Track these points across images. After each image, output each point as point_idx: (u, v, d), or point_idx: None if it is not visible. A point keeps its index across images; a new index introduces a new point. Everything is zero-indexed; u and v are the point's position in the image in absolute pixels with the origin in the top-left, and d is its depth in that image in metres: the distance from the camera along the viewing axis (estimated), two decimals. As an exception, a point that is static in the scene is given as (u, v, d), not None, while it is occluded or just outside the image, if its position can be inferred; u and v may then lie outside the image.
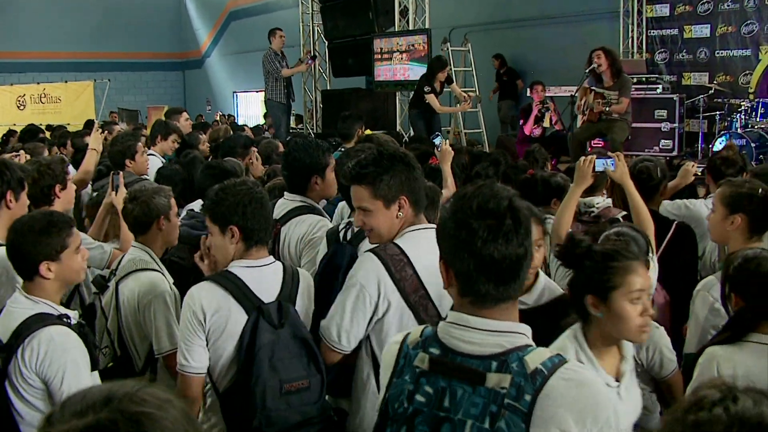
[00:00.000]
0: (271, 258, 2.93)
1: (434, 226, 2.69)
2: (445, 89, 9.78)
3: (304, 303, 2.89)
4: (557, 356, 1.70)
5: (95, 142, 5.54)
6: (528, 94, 11.18)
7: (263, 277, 2.83)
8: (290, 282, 2.89)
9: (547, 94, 11.12)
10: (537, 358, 1.67)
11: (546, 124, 10.80)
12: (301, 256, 3.50)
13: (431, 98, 9.23)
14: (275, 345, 2.72)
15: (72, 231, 2.80)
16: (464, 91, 10.51)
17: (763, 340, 2.57)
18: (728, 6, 11.51)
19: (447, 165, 4.74)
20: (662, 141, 10.54)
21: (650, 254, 3.31)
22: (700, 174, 4.37)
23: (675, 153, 10.45)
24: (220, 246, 2.85)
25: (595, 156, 3.72)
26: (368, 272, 2.61)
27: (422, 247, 2.61)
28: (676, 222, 4.11)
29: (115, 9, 23.64)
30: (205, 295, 2.73)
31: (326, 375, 2.79)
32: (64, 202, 4.11)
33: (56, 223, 2.78)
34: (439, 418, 1.71)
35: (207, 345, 2.72)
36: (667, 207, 4.51)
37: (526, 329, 1.76)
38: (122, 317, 3.32)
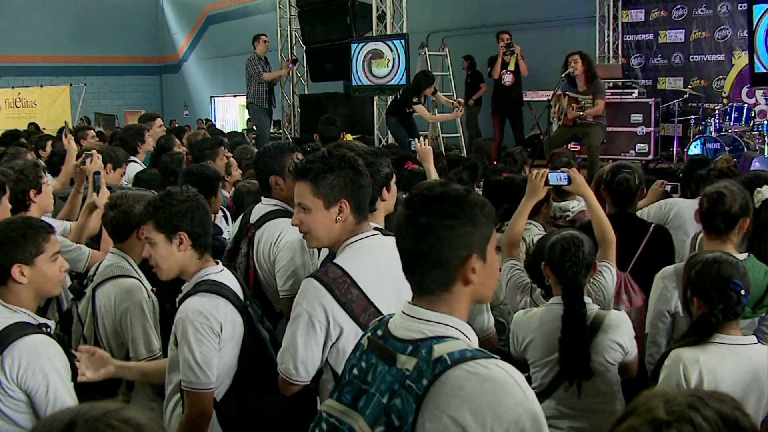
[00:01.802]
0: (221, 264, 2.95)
1: (375, 233, 2.66)
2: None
3: None
4: (473, 351, 1.69)
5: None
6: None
7: (230, 279, 2.87)
8: (243, 282, 2.98)
9: (526, 98, 11.21)
10: (447, 348, 1.69)
11: (511, 67, 10.81)
12: (275, 261, 3.47)
13: (420, 109, 9.22)
14: (268, 338, 2.84)
15: (49, 237, 2.74)
16: (450, 98, 10.55)
17: (726, 341, 2.65)
18: (702, 11, 11.66)
19: (429, 164, 4.71)
20: (638, 145, 10.65)
21: (606, 262, 3.46)
22: (669, 192, 4.42)
23: (651, 157, 10.56)
24: (166, 255, 2.80)
25: (547, 170, 3.74)
26: (312, 300, 2.49)
27: (365, 259, 2.57)
28: (653, 225, 4.15)
29: (91, 12, 23.48)
30: (213, 306, 2.70)
31: None
32: (40, 206, 4.10)
33: (33, 227, 2.73)
34: (361, 389, 1.80)
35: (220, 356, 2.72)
36: (643, 215, 4.54)
37: (461, 325, 1.77)
38: (99, 324, 3.29)
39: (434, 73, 10.21)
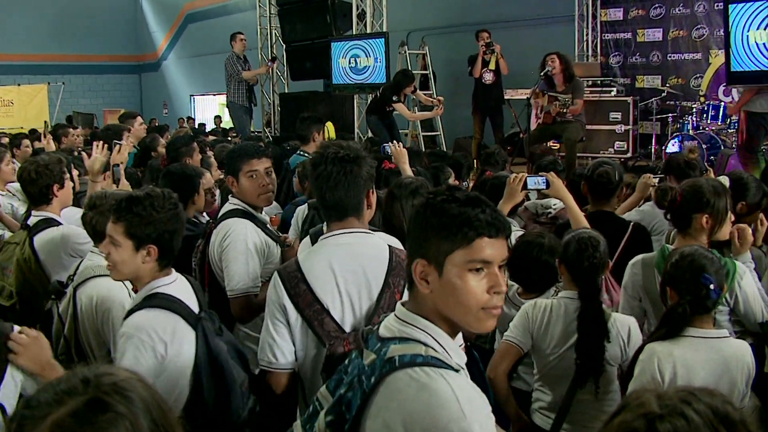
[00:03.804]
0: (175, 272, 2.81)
1: (347, 231, 2.64)
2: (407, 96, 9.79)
3: None
4: (426, 357, 1.67)
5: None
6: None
7: (183, 289, 2.73)
8: (200, 291, 2.82)
9: (506, 97, 11.26)
10: (401, 350, 1.69)
11: (492, 66, 10.85)
12: (221, 260, 3.49)
13: (400, 107, 9.24)
14: (226, 351, 2.68)
15: None
16: (429, 96, 10.57)
17: (699, 334, 2.70)
18: (680, 11, 11.77)
19: (404, 164, 4.74)
20: (617, 143, 10.73)
21: None
22: (657, 185, 4.46)
23: (629, 154, 10.64)
24: (127, 261, 2.64)
25: (525, 174, 3.76)
26: (272, 289, 2.60)
27: (322, 256, 2.59)
28: (632, 223, 4.18)
29: (69, 10, 23.28)
30: (158, 324, 2.54)
31: None
32: (61, 200, 4.14)
33: None
34: (341, 379, 1.86)
35: (162, 375, 2.54)
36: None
37: (432, 329, 1.74)
38: (80, 324, 3.27)
39: (414, 72, 10.22)
